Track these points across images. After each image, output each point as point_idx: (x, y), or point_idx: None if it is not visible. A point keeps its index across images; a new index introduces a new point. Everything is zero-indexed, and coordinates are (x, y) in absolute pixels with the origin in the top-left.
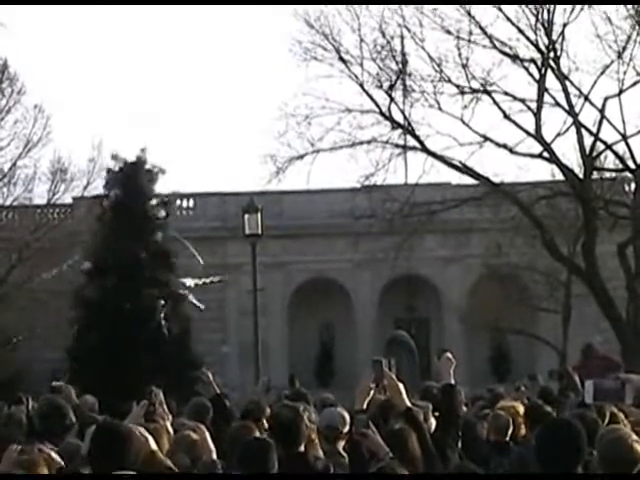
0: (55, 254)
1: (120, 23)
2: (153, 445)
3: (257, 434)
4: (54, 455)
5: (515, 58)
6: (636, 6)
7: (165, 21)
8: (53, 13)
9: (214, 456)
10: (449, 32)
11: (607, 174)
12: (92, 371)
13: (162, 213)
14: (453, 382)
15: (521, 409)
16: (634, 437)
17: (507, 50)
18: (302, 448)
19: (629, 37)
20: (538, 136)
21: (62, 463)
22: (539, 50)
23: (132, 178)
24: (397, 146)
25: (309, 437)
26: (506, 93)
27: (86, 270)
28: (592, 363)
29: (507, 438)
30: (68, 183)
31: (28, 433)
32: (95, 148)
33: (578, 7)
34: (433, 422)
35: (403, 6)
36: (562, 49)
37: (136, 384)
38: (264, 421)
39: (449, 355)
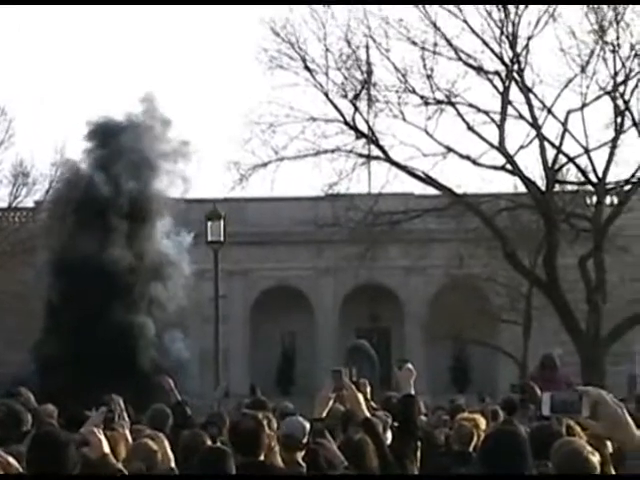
0: (16, 258)
1: (85, 25)
2: (106, 449)
3: (209, 443)
4: (11, 460)
5: (479, 70)
6: (599, 20)
7: (129, 25)
8: (15, 15)
9: (172, 464)
10: (414, 43)
11: (569, 187)
12: (53, 377)
13: None
14: (413, 393)
15: (482, 422)
16: (589, 449)
17: (472, 62)
18: (262, 457)
19: (592, 52)
20: (501, 148)
21: (20, 469)
22: (503, 63)
23: None
24: (361, 155)
25: (269, 445)
26: (470, 105)
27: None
28: (550, 374)
29: (470, 449)
30: (30, 187)
31: None
32: (58, 152)
33: (543, 21)
34: (389, 434)
35: (369, 16)
36: (526, 62)
37: (97, 390)
38: (224, 431)
39: (409, 366)
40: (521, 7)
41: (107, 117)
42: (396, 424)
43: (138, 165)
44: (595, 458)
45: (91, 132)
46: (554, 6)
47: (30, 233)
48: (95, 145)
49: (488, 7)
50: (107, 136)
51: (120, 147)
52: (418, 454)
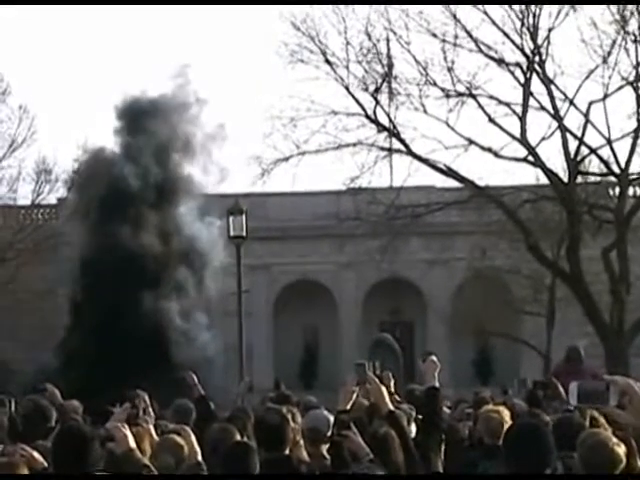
0: (39, 255)
1: (105, 22)
2: (131, 444)
3: (238, 437)
4: (36, 455)
5: (500, 62)
6: (621, 11)
7: (149, 22)
8: (39, 12)
9: (199, 458)
10: (435, 35)
11: (591, 178)
12: (78, 373)
13: None
14: (437, 385)
15: (507, 414)
16: (615, 440)
17: (492, 54)
18: (287, 451)
19: (614, 42)
20: (523, 140)
21: (45, 464)
22: (524, 54)
23: None
24: (382, 149)
25: (294, 439)
26: (491, 97)
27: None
28: (575, 367)
29: (500, 442)
30: (53, 184)
31: (10, 435)
32: (80, 148)
33: (564, 12)
34: (413, 427)
35: (389, 9)
36: (547, 53)
37: (121, 386)
38: (249, 426)
39: (434, 358)
40: None
41: (136, 98)
42: (420, 417)
43: (168, 149)
44: (621, 449)
45: (120, 113)
46: None
47: (53, 230)
48: (123, 128)
49: None
50: (136, 118)
51: (150, 130)
52: (442, 447)
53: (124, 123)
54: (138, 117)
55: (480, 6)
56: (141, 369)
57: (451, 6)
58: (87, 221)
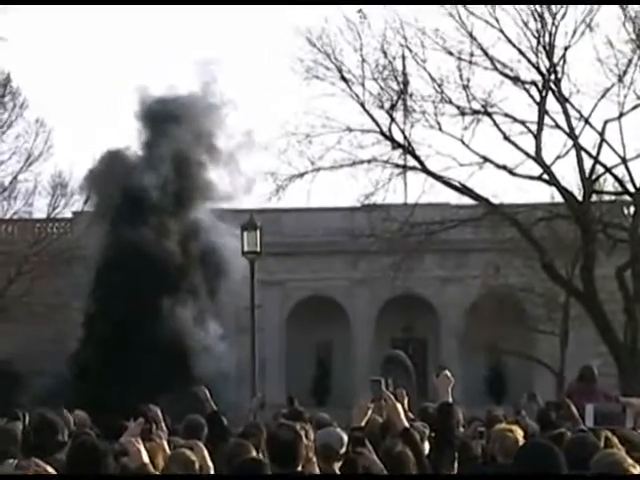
0: (54, 268)
1: (122, 38)
2: (145, 458)
3: (253, 453)
4: (50, 470)
5: (516, 80)
6: (637, 30)
7: (166, 36)
8: (55, 26)
9: (212, 473)
10: (450, 53)
11: (606, 197)
12: (90, 386)
13: None
14: (451, 400)
15: (520, 433)
16: (629, 461)
17: (508, 72)
18: (300, 468)
19: (630, 61)
20: (538, 158)
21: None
22: (540, 72)
23: None
24: (397, 166)
25: (306, 456)
26: (507, 115)
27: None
28: (588, 387)
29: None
30: (68, 197)
31: (23, 449)
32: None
33: (579, 31)
34: (427, 445)
35: (405, 26)
36: (563, 72)
37: (134, 399)
38: (262, 442)
39: (447, 373)
40: (558, 17)
41: (159, 99)
42: (433, 434)
43: (190, 155)
44: (636, 470)
45: (142, 114)
46: (591, 16)
47: (68, 244)
48: (144, 130)
49: (525, 17)
50: (158, 120)
51: (172, 133)
52: (455, 465)
53: (145, 124)
54: (160, 118)
55: (496, 24)
56: (155, 383)
57: (467, 24)
58: (103, 226)
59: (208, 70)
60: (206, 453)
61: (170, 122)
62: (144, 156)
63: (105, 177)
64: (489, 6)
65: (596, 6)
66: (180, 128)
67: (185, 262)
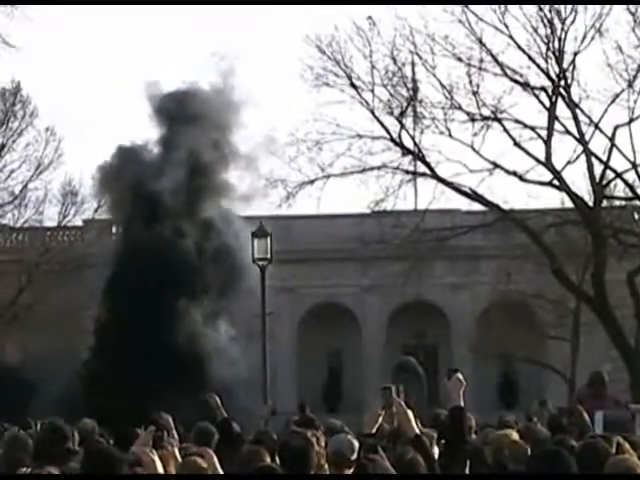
0: (65, 277)
1: (131, 47)
2: (159, 469)
3: (268, 459)
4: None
5: (526, 86)
6: None
7: (176, 43)
8: (66, 35)
9: None
10: (460, 59)
11: (617, 202)
12: (102, 395)
13: None
14: (462, 404)
15: (515, 436)
16: None
17: (518, 78)
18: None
19: (639, 66)
20: (548, 164)
21: None
22: (550, 78)
23: None
24: (407, 172)
25: (318, 463)
26: (516, 121)
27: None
28: (598, 392)
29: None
30: (79, 206)
31: (35, 457)
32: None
33: (589, 36)
34: (436, 450)
35: (415, 33)
36: (573, 77)
37: (145, 407)
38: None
39: (460, 376)
40: (567, 22)
41: (173, 94)
42: (443, 441)
43: (203, 154)
44: None
45: (156, 110)
46: (600, 21)
47: (79, 252)
48: (160, 128)
49: (534, 23)
50: (173, 118)
51: (187, 131)
52: (466, 471)
53: (159, 121)
54: (175, 114)
55: (505, 30)
56: (166, 391)
57: (476, 30)
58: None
59: (225, 64)
60: (216, 460)
61: (186, 118)
62: (158, 155)
63: (117, 175)
64: (498, 12)
65: (605, 11)
66: (196, 125)
67: (199, 267)
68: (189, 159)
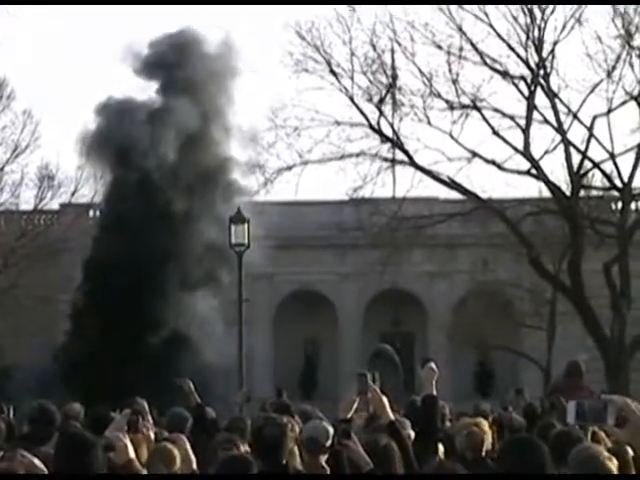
0: (41, 261)
1: (110, 29)
2: (131, 454)
3: (242, 448)
4: (36, 462)
5: (505, 75)
6: (626, 25)
7: (153, 27)
8: (41, 17)
9: (194, 467)
10: (440, 47)
11: (594, 192)
12: (78, 379)
13: None
14: (435, 393)
15: (485, 425)
16: (606, 454)
17: (497, 67)
18: (284, 462)
19: (619, 56)
20: (526, 153)
21: (45, 470)
22: (529, 67)
23: None
24: (386, 160)
25: (291, 450)
26: (495, 109)
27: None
28: (575, 382)
29: (483, 454)
30: (55, 189)
31: (8, 439)
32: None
33: (569, 26)
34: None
35: (395, 20)
36: (552, 67)
37: (121, 393)
38: (247, 436)
39: (432, 365)
40: (547, 12)
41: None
42: (417, 429)
43: (197, 131)
44: (613, 464)
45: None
46: (580, 11)
47: (55, 236)
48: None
49: (514, 12)
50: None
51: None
52: (437, 457)
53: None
54: (162, 70)
55: (485, 19)
56: (142, 376)
57: (457, 18)
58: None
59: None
60: (189, 446)
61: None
62: (145, 124)
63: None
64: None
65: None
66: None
67: (180, 249)
68: (178, 135)
